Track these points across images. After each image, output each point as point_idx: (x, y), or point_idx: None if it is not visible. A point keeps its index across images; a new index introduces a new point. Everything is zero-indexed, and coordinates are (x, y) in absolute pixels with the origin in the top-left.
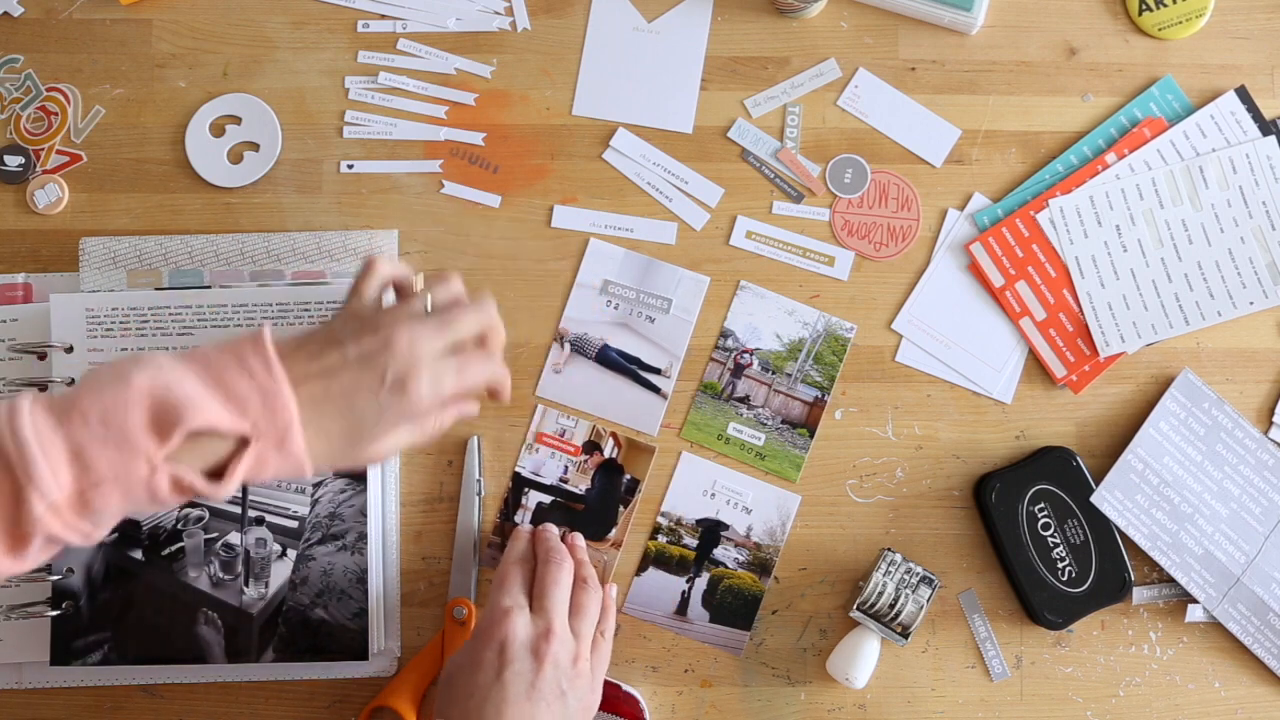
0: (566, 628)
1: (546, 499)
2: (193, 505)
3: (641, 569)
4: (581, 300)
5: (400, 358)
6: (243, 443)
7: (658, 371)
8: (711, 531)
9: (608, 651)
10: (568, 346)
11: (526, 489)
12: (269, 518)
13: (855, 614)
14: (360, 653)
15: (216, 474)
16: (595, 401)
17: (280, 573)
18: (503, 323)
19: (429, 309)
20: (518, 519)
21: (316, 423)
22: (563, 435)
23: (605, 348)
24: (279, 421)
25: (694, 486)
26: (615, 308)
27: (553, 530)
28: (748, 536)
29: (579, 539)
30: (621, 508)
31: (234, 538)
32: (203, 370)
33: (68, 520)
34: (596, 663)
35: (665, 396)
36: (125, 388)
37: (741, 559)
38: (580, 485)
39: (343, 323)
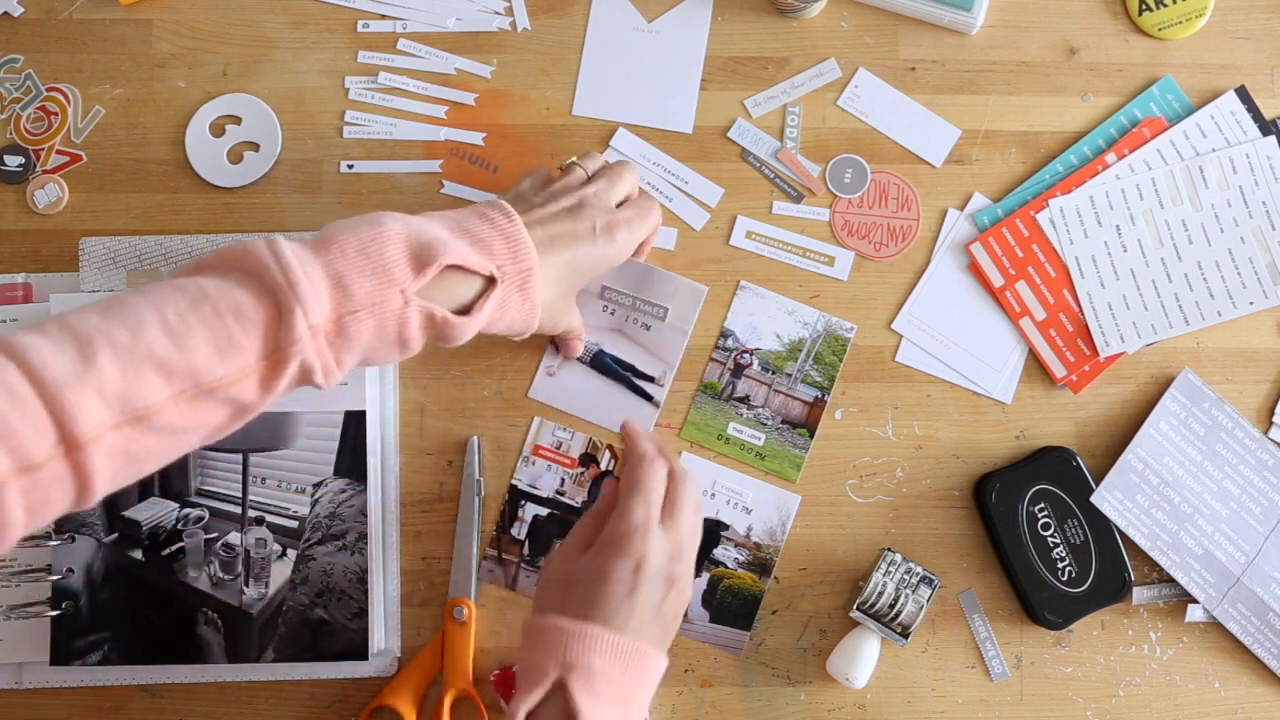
0: (694, 556)
1: (543, 511)
2: (192, 505)
3: None
4: (578, 304)
5: (602, 210)
6: (489, 284)
7: (652, 380)
8: (711, 531)
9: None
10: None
11: (523, 501)
12: (269, 518)
13: (855, 614)
14: (360, 653)
15: (463, 313)
16: (587, 405)
17: (280, 573)
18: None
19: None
20: (515, 531)
21: (544, 266)
22: (559, 448)
23: (600, 353)
24: (522, 263)
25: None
26: (611, 313)
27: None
28: (748, 536)
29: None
30: None
31: (234, 538)
32: (447, 220)
33: (320, 347)
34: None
35: (657, 405)
36: (380, 228)
37: (741, 559)
38: (577, 498)
39: (528, 190)
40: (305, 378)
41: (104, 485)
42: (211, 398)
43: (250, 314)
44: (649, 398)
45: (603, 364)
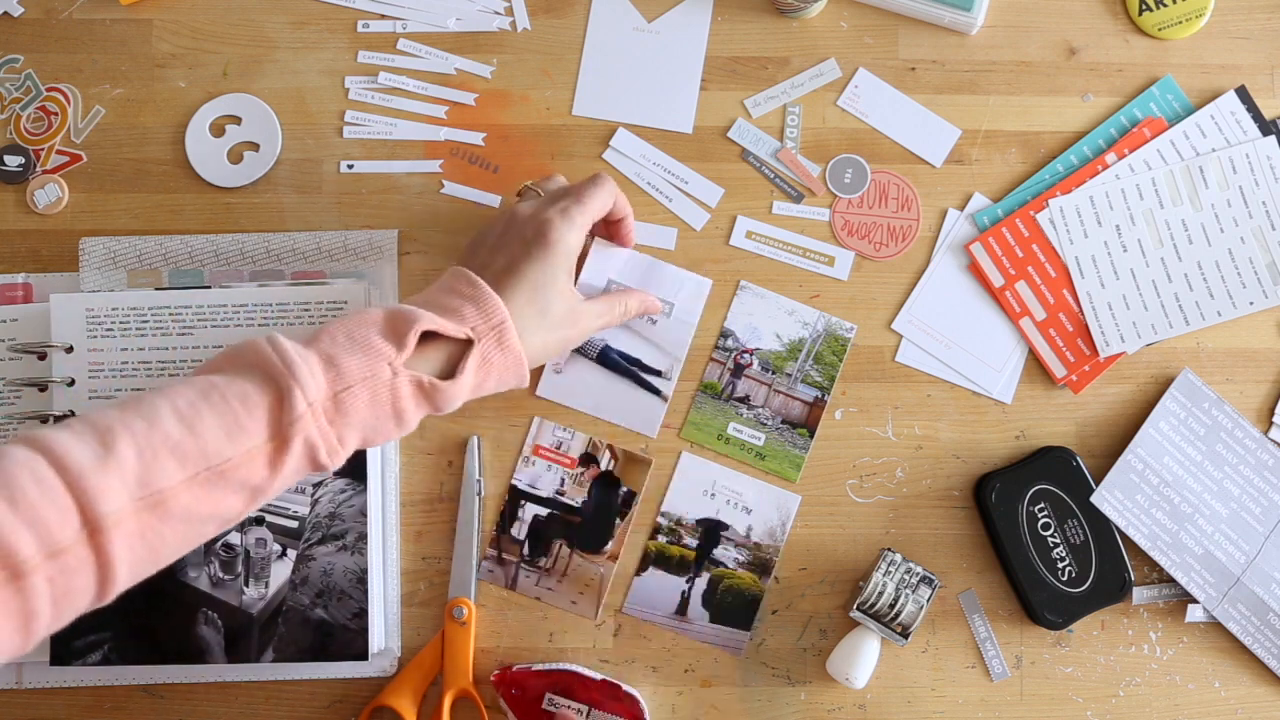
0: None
1: (543, 511)
2: None
3: (641, 569)
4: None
5: (525, 218)
6: (468, 347)
7: (659, 374)
8: (711, 531)
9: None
10: None
11: (523, 501)
12: (269, 518)
13: (855, 614)
14: (360, 653)
15: (448, 378)
16: (595, 403)
17: (280, 573)
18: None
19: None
20: (515, 532)
21: (513, 311)
22: (559, 448)
23: (607, 349)
24: (494, 320)
25: (694, 486)
26: None
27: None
28: (748, 536)
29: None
30: (618, 520)
31: (234, 538)
32: (418, 300)
33: (322, 425)
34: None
35: (665, 399)
36: (361, 314)
37: (741, 559)
38: (577, 498)
39: (487, 235)
40: (311, 456)
41: (124, 575)
42: (223, 481)
43: (255, 399)
44: (657, 391)
45: (609, 359)
